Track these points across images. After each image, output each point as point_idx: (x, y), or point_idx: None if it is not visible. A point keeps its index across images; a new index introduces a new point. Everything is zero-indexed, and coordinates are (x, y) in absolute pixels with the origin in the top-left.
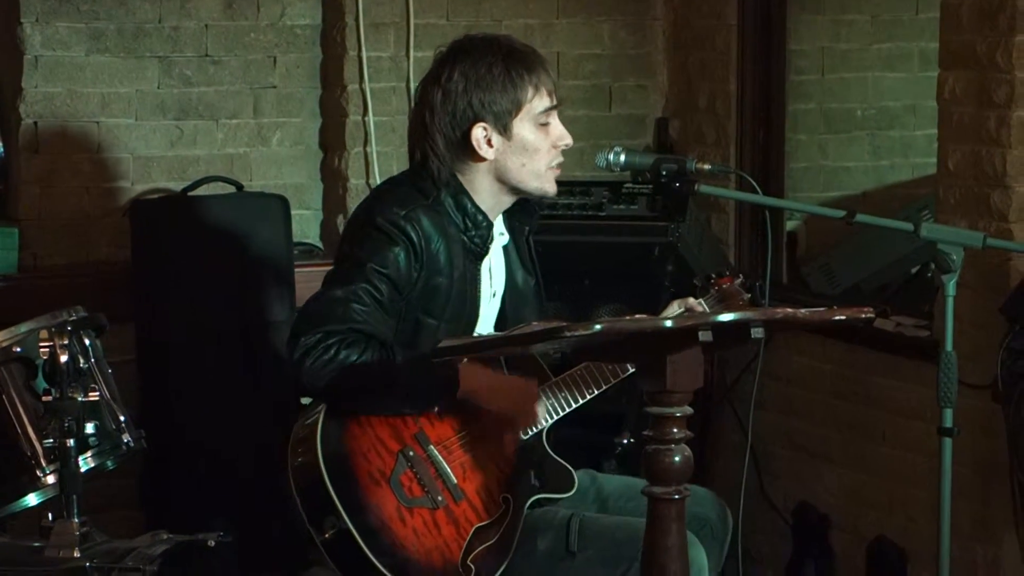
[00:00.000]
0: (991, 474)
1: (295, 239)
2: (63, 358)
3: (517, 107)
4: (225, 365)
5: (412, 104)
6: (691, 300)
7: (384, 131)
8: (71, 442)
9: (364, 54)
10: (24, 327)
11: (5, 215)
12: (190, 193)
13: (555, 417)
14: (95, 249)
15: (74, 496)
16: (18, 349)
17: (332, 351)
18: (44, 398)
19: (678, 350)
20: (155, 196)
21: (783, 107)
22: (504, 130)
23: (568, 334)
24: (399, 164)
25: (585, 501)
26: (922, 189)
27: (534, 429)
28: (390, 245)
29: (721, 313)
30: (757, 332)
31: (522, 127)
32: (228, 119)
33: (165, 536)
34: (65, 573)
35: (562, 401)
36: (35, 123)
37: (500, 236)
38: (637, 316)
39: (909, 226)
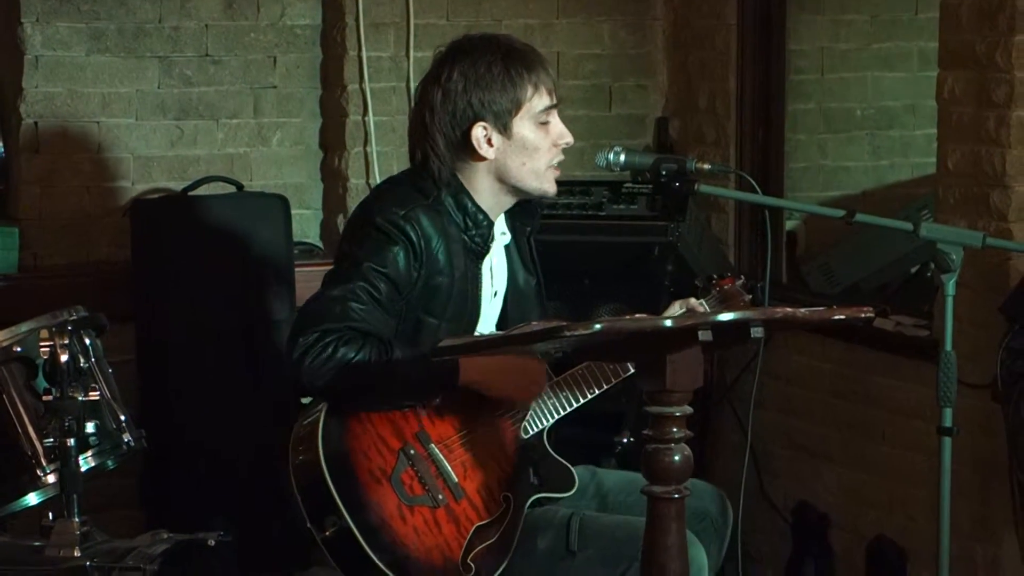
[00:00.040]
0: (990, 473)
1: (295, 239)
2: (63, 358)
3: (517, 106)
4: (225, 365)
5: (412, 104)
6: (692, 301)
7: (384, 131)
8: (71, 441)
9: (364, 54)
10: (24, 327)
11: (5, 215)
12: (190, 193)
13: (556, 416)
14: (95, 249)
15: (74, 495)
16: (18, 349)
17: (330, 349)
18: (44, 397)
19: (678, 349)
20: (155, 196)
21: (783, 107)
22: (504, 129)
23: (568, 333)
24: (399, 164)
25: (585, 496)
26: (921, 189)
27: (531, 429)
28: (389, 245)
29: (721, 313)
30: (757, 332)
31: (522, 126)
32: (228, 119)
33: (165, 535)
34: (65, 572)
35: (563, 400)
36: (35, 123)
37: (502, 236)
38: (637, 316)
39: (908, 226)
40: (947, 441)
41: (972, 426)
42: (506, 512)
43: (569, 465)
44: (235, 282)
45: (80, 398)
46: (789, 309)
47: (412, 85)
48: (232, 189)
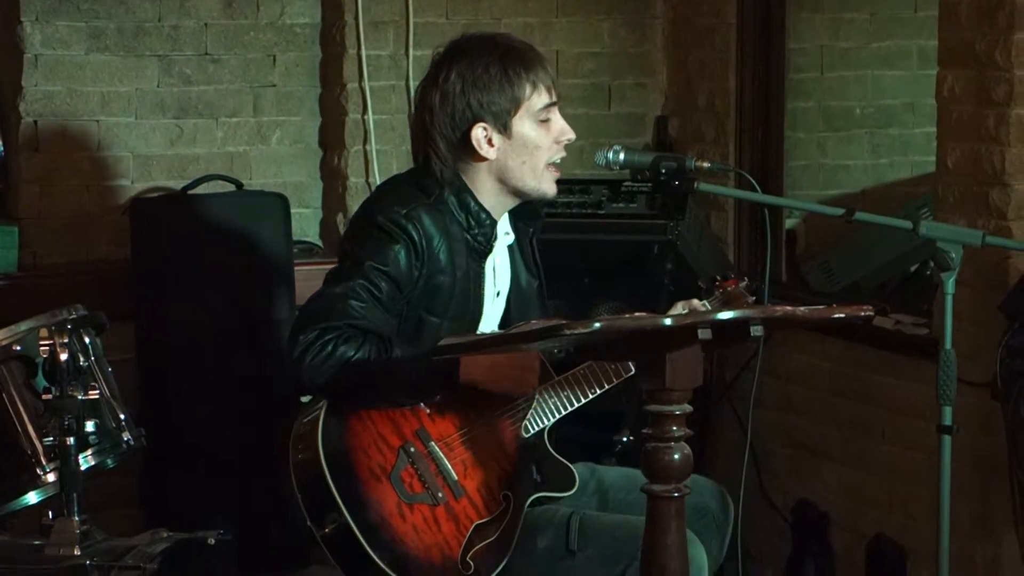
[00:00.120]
0: (990, 472)
1: (295, 237)
2: (63, 356)
3: (516, 105)
4: (225, 363)
5: (411, 102)
6: (695, 301)
7: (384, 129)
8: (71, 440)
9: (363, 52)
10: (24, 325)
11: (5, 214)
12: (190, 192)
13: (557, 416)
14: (95, 248)
15: (74, 494)
16: (18, 347)
17: (330, 347)
18: (44, 396)
19: (677, 348)
20: (155, 195)
21: (782, 105)
22: (504, 129)
23: (567, 332)
24: (399, 162)
25: (585, 494)
26: (921, 187)
27: (532, 428)
28: (390, 243)
29: (720, 311)
30: (756, 330)
31: (522, 125)
32: (228, 118)
33: (165, 534)
34: (65, 571)
35: (564, 400)
36: (35, 122)
37: (505, 236)
38: (636, 314)
39: (908, 224)
40: (947, 440)
41: (972, 425)
42: (506, 511)
43: (570, 465)
44: (235, 281)
45: (80, 397)
46: (789, 308)
47: (412, 83)
48: (232, 188)
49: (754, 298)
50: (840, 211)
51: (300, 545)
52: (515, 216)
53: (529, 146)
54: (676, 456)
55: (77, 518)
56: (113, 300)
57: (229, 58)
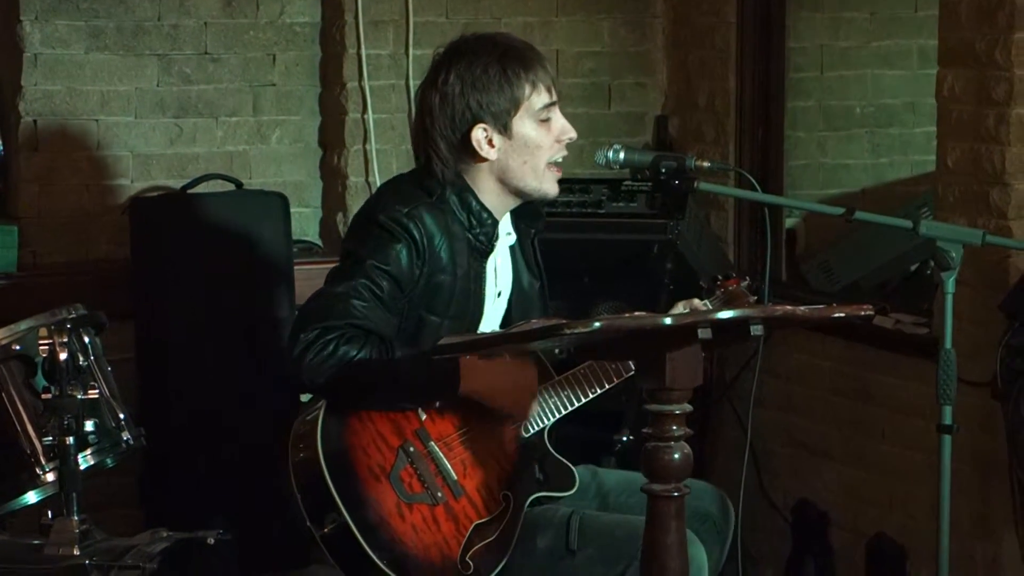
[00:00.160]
0: (990, 471)
1: (295, 237)
2: (62, 356)
3: (515, 106)
4: (224, 363)
5: (411, 102)
6: (696, 301)
7: (383, 128)
8: (70, 440)
9: (363, 52)
10: (23, 325)
11: (5, 213)
12: (189, 191)
13: (557, 415)
14: (94, 247)
15: (74, 494)
16: (17, 347)
17: (331, 347)
18: (43, 396)
19: (677, 347)
20: (154, 194)
21: (782, 105)
22: (504, 130)
23: (567, 331)
24: (398, 161)
25: (586, 497)
26: (921, 186)
27: (532, 427)
28: (392, 242)
29: (720, 310)
30: (756, 329)
31: (522, 125)
32: (227, 117)
33: (165, 534)
34: (65, 571)
35: (564, 400)
36: (34, 121)
37: (507, 236)
38: (636, 313)
39: (908, 223)
40: (947, 439)
41: (972, 424)
42: (506, 510)
43: (570, 464)
44: (234, 280)
45: (79, 396)
46: (789, 307)
47: (411, 83)
48: (231, 187)
49: (755, 297)
50: (840, 210)
51: (300, 545)
52: (517, 216)
53: (530, 146)
54: (676, 455)
55: (76, 518)
56: (113, 300)
57: (229, 57)
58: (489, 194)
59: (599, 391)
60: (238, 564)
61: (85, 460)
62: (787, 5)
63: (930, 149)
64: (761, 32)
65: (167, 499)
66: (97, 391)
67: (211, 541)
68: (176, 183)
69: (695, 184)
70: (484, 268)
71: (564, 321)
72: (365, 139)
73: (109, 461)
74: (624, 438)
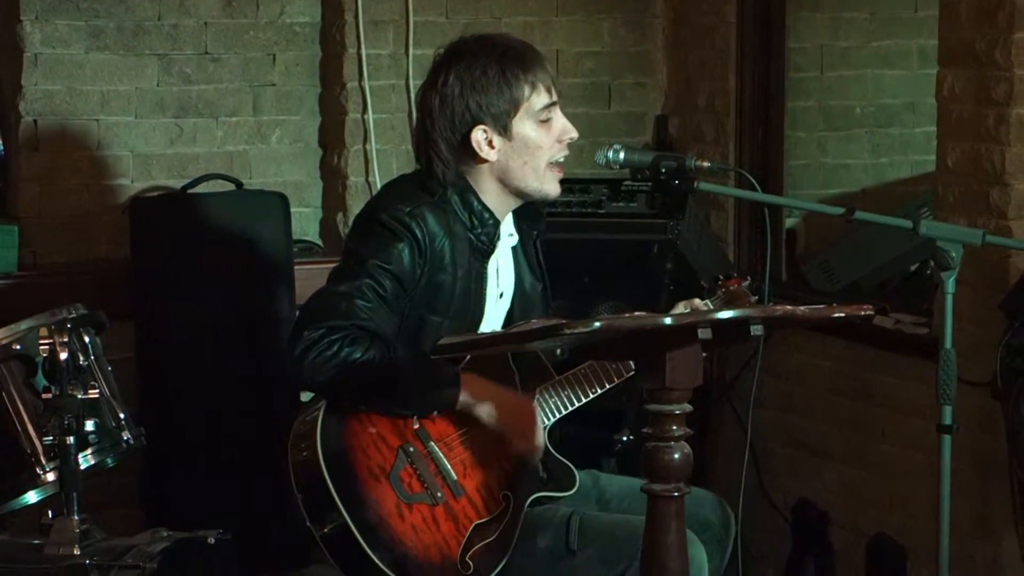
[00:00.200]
0: (990, 471)
1: (295, 237)
2: (63, 356)
3: (515, 107)
4: (225, 363)
5: (412, 102)
6: (697, 301)
7: (383, 128)
8: (71, 439)
9: (363, 52)
10: (24, 324)
11: (5, 213)
12: (190, 191)
13: (558, 415)
14: (95, 247)
15: (74, 493)
16: (18, 347)
17: (335, 347)
18: (44, 395)
19: (677, 347)
20: (155, 194)
21: (782, 105)
22: (504, 131)
23: (567, 331)
24: (399, 161)
25: (588, 502)
26: (921, 186)
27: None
28: (394, 241)
29: (721, 310)
30: (756, 329)
31: (522, 126)
32: (228, 117)
33: (165, 533)
34: (65, 571)
35: (564, 400)
36: (35, 121)
37: (509, 237)
38: (636, 313)
39: (908, 223)
40: (947, 439)
41: (972, 424)
42: (506, 510)
43: (570, 464)
44: (234, 280)
45: (79, 396)
46: (789, 307)
47: (412, 82)
48: (231, 187)
49: (757, 297)
50: (840, 210)
51: (300, 545)
52: (519, 218)
53: (530, 147)
54: (676, 455)
55: (77, 517)
56: (113, 299)
57: (229, 57)
58: (491, 195)
59: (599, 391)
60: (238, 564)
61: (85, 460)
62: (787, 5)
63: (930, 149)
64: (761, 32)
65: (167, 499)
66: (97, 391)
67: (211, 541)
68: (176, 183)
69: (695, 184)
70: (485, 269)
71: (564, 321)
72: (365, 139)
73: (109, 461)
74: (624, 438)
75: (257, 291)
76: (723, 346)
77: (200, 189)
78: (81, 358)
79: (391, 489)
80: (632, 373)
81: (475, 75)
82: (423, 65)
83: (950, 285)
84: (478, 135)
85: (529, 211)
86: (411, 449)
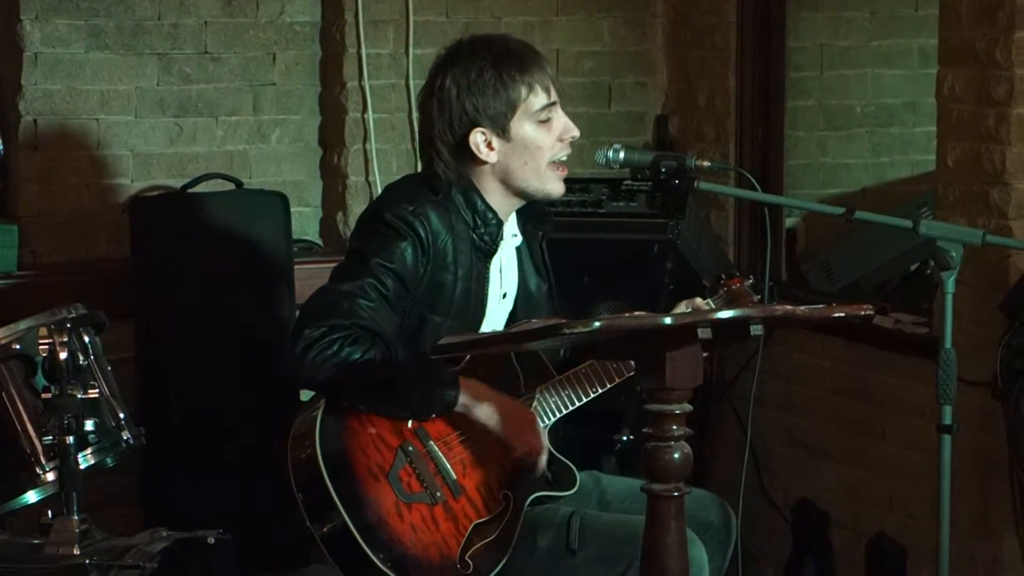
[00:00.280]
0: (990, 471)
1: (295, 236)
2: (62, 355)
3: (512, 108)
4: (225, 363)
5: (411, 101)
6: (698, 300)
7: (384, 128)
8: (70, 439)
9: (363, 51)
10: (23, 324)
11: (4, 212)
12: (189, 190)
13: (558, 415)
14: (94, 246)
15: (73, 493)
16: (17, 346)
17: (336, 346)
18: (43, 395)
19: (677, 347)
20: (154, 193)
21: (782, 104)
22: (503, 132)
23: (567, 331)
24: (399, 161)
25: (588, 503)
26: (921, 186)
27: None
28: (397, 240)
29: (721, 310)
30: (756, 329)
31: (521, 127)
32: (227, 116)
33: (165, 533)
34: (65, 570)
35: (565, 399)
36: (35, 120)
37: (513, 237)
38: (636, 313)
39: (908, 223)
40: (947, 439)
41: (972, 424)
42: (506, 510)
43: (571, 464)
44: (234, 280)
45: (79, 396)
46: (789, 307)
47: (412, 82)
48: (231, 186)
49: (759, 297)
50: (840, 210)
51: (300, 545)
52: (523, 218)
53: (530, 147)
54: (676, 455)
55: (76, 517)
56: (113, 299)
57: (229, 56)
58: (493, 195)
59: (600, 391)
60: (238, 564)
61: (85, 459)
62: (787, 4)
63: (930, 149)
64: (761, 31)
65: (167, 499)
66: (97, 391)
67: (211, 541)
68: (176, 182)
69: (695, 184)
70: (488, 268)
71: (564, 321)
72: (365, 138)
73: (109, 460)
74: (624, 438)
75: (257, 291)
76: (723, 346)
77: (200, 188)
78: (81, 358)
79: (390, 488)
80: (633, 372)
81: (471, 78)
82: (423, 65)
83: (950, 285)
84: (476, 137)
85: (534, 212)
86: (410, 448)
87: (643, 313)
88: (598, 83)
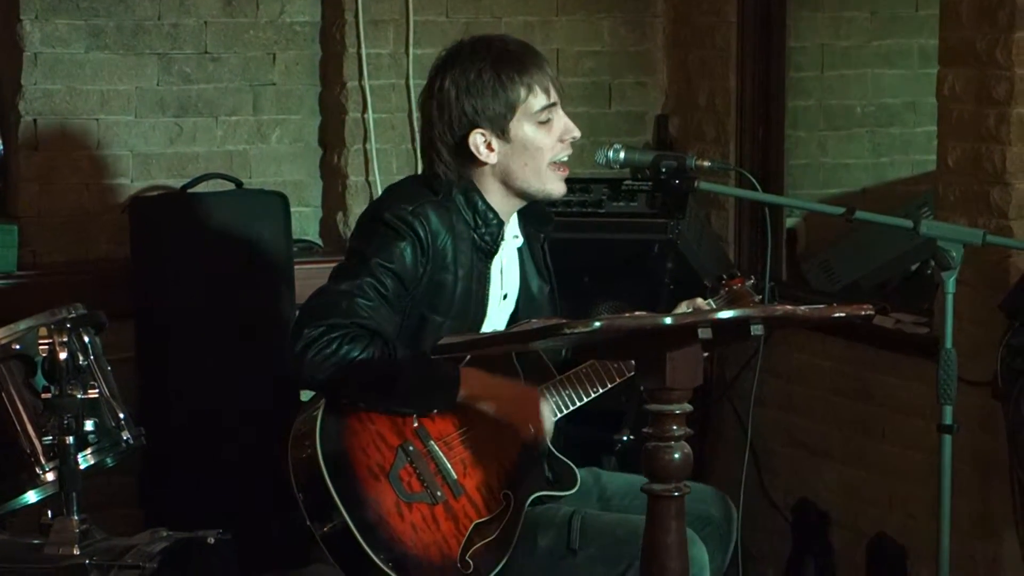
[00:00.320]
0: (991, 471)
1: (294, 236)
2: (62, 355)
3: (511, 110)
4: (225, 363)
5: (412, 101)
6: (699, 300)
7: (383, 128)
8: (70, 439)
9: (363, 51)
10: (23, 324)
11: (4, 212)
12: (189, 190)
13: (558, 415)
14: (94, 246)
15: (73, 493)
16: (17, 346)
17: (335, 345)
18: (43, 395)
19: (677, 347)
20: (154, 193)
21: (783, 104)
22: (502, 133)
23: (567, 331)
24: (399, 161)
25: (589, 500)
26: (922, 186)
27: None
28: (397, 240)
29: (721, 310)
30: (756, 329)
31: (521, 128)
32: (227, 116)
33: (164, 533)
34: (64, 570)
35: (566, 399)
36: (34, 120)
37: (514, 239)
38: (637, 313)
39: (909, 223)
40: (947, 439)
41: (972, 424)
42: (506, 509)
43: (571, 464)
44: (234, 280)
45: (79, 396)
46: (789, 307)
47: (412, 82)
48: (231, 186)
49: (760, 297)
50: (840, 210)
51: (300, 545)
52: (525, 219)
53: (530, 148)
54: (676, 455)
55: (76, 517)
56: (112, 299)
57: (229, 56)
58: (494, 195)
59: (600, 391)
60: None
61: (85, 459)
62: (787, 4)
63: (931, 149)
64: (761, 31)
65: (167, 499)
66: (97, 391)
67: (211, 541)
68: (176, 182)
69: (695, 183)
70: (488, 269)
71: (564, 321)
72: (365, 138)
73: (109, 460)
74: (624, 438)
75: (257, 291)
76: (723, 346)
77: (200, 188)
78: (81, 358)
79: (390, 488)
80: (633, 372)
81: (470, 79)
82: (423, 65)
83: (950, 285)
84: (476, 138)
85: (536, 213)
86: (411, 448)
87: (643, 313)
88: (598, 83)
